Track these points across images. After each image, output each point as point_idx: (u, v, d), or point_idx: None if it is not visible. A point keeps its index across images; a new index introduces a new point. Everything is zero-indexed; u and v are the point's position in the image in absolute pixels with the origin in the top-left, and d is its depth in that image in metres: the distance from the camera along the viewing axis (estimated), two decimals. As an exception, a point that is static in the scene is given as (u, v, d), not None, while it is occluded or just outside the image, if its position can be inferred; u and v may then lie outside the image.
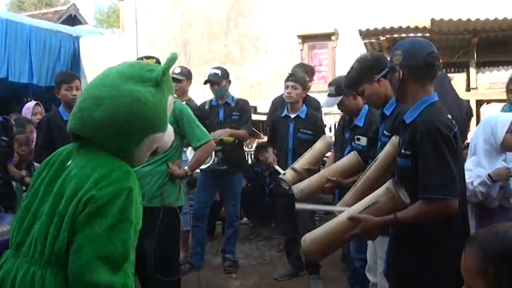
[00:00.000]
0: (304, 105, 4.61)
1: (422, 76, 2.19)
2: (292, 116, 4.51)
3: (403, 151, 2.18)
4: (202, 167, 4.56)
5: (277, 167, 4.34)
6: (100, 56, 12.67)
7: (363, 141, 3.20)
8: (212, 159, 4.52)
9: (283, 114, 4.59)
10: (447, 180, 2.00)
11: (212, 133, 4.62)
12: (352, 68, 2.95)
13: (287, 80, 4.48)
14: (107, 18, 28.25)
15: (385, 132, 2.73)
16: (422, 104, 2.17)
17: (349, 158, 3.17)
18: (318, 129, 4.46)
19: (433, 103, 2.17)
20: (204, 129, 3.63)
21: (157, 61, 3.54)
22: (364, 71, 2.83)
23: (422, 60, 2.15)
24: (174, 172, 3.43)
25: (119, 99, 1.57)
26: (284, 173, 3.76)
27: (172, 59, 1.71)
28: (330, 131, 7.85)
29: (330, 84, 3.62)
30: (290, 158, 4.33)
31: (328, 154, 4.22)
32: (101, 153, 1.59)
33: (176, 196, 3.51)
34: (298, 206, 2.87)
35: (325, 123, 6.65)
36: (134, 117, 1.58)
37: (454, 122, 2.14)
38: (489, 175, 3.03)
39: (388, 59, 2.41)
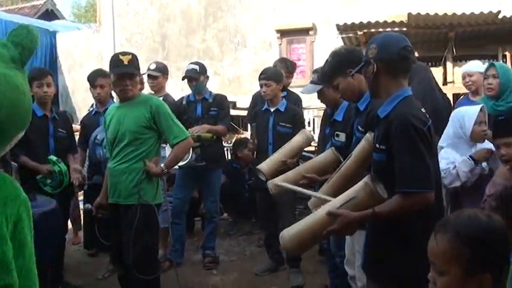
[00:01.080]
0: (283, 99, 4.62)
1: (397, 70, 2.20)
2: (272, 109, 4.54)
3: (377, 146, 2.19)
4: (180, 163, 4.54)
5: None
6: (77, 52, 12.50)
7: (342, 137, 3.21)
8: (190, 156, 4.49)
9: (263, 108, 4.62)
10: (422, 174, 2.02)
11: (190, 129, 4.59)
12: (326, 61, 2.95)
13: (259, 78, 4.52)
14: (84, 13, 27.89)
15: (359, 127, 2.74)
16: (396, 98, 2.18)
17: (326, 154, 3.15)
18: (297, 123, 4.48)
19: (407, 97, 2.19)
20: (182, 126, 3.61)
21: (134, 57, 3.50)
22: (338, 64, 2.83)
23: (396, 54, 2.17)
24: (151, 170, 3.40)
25: None
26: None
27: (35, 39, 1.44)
28: (309, 126, 7.88)
29: (314, 71, 3.63)
30: (270, 151, 4.35)
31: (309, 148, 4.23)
32: None
33: (154, 193, 3.48)
34: (277, 182, 2.86)
35: (304, 117, 6.68)
36: (16, 111, 1.34)
37: (427, 116, 2.17)
38: (471, 156, 3.09)
39: (364, 53, 2.42)
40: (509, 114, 3.50)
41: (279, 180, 3.16)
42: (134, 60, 3.48)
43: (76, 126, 7.87)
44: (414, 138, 2.04)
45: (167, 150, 4.47)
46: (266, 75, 4.48)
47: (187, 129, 4.63)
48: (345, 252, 3.07)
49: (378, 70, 2.20)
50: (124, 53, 3.54)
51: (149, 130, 3.47)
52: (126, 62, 3.42)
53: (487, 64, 4.07)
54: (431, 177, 2.05)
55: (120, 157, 3.49)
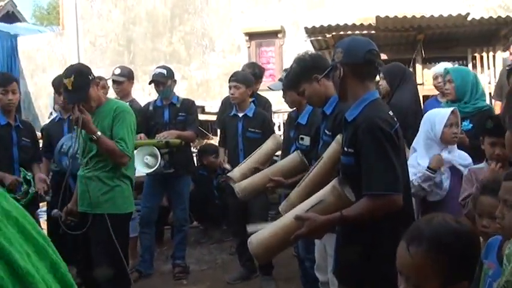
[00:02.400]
0: (252, 103, 4.65)
1: (363, 73, 2.27)
2: (240, 115, 4.56)
3: (345, 149, 2.25)
4: (148, 171, 4.52)
5: (227, 166, 4.36)
6: (39, 55, 12.30)
7: (307, 140, 3.26)
8: (158, 163, 4.48)
9: (231, 114, 4.64)
10: (390, 177, 2.08)
11: (157, 135, 4.59)
12: (291, 68, 3.04)
13: (229, 80, 4.56)
14: (47, 15, 27.40)
15: (326, 131, 2.80)
16: (363, 101, 2.24)
17: (292, 157, 3.21)
18: (266, 128, 4.52)
19: (374, 100, 2.25)
20: (132, 142, 3.49)
21: (77, 75, 3.30)
22: (303, 70, 2.90)
23: (362, 58, 2.23)
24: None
25: None
26: (231, 171, 3.78)
27: None
28: (279, 130, 7.94)
29: (284, 70, 3.68)
30: (241, 157, 4.36)
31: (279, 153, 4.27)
32: None
33: (123, 202, 3.45)
34: (249, 228, 2.88)
35: (274, 121, 6.74)
36: None
37: (395, 119, 2.23)
38: (428, 167, 3.17)
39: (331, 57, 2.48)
40: (477, 116, 3.61)
41: (246, 184, 3.19)
42: (77, 80, 3.27)
43: (39, 134, 7.75)
44: (381, 140, 2.09)
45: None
46: (236, 78, 4.52)
47: (154, 135, 4.65)
48: (314, 255, 3.11)
49: (344, 74, 2.26)
50: (66, 75, 3.32)
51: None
52: (70, 87, 3.27)
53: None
54: (399, 179, 2.10)
55: (89, 166, 3.46)
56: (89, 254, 3.42)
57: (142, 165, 4.53)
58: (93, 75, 3.44)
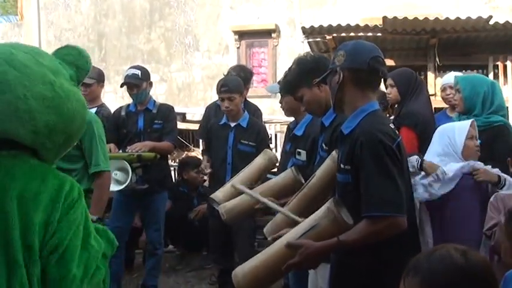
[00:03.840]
0: (245, 111, 4.68)
1: (364, 81, 2.32)
2: (232, 124, 4.56)
3: (342, 166, 2.28)
4: (118, 188, 4.51)
5: (208, 170, 4.38)
6: (-7, 50, 12.28)
7: (303, 155, 3.28)
8: (130, 178, 4.47)
9: (221, 122, 4.63)
10: (392, 196, 2.10)
11: (129, 147, 4.56)
12: (289, 70, 3.05)
13: (220, 91, 4.52)
14: (2, 2, 27.30)
15: (323, 145, 2.83)
16: (361, 112, 2.28)
17: (285, 175, 3.21)
18: (261, 141, 4.53)
19: (373, 112, 2.29)
20: (106, 154, 3.60)
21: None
22: (303, 74, 2.92)
23: (365, 64, 2.28)
24: None
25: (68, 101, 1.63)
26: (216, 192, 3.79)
27: (90, 61, 1.88)
28: (271, 142, 7.99)
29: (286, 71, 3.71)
30: (229, 173, 4.38)
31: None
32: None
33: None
34: (240, 187, 2.90)
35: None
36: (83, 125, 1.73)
37: (397, 132, 2.27)
38: (421, 162, 3.24)
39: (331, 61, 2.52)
40: (488, 132, 3.65)
41: (232, 205, 3.21)
42: None
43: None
44: (382, 156, 2.12)
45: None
46: (228, 88, 4.46)
47: (126, 145, 4.64)
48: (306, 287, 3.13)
49: (344, 80, 2.30)
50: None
51: (78, 150, 3.50)
52: None
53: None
54: (402, 199, 2.12)
55: None
56: None
57: (113, 182, 4.53)
58: None
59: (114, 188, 4.54)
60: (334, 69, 2.34)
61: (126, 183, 4.48)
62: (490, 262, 1.47)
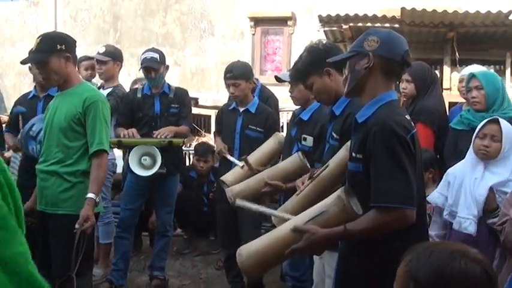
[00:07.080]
0: (255, 97, 4.68)
1: (393, 72, 2.33)
2: (241, 109, 4.58)
3: (354, 154, 2.28)
4: (148, 173, 4.52)
5: (230, 157, 4.38)
6: (8, 27, 12.35)
7: (309, 141, 3.29)
8: (159, 164, 4.48)
9: (231, 107, 4.66)
10: (403, 187, 2.09)
11: (155, 132, 4.57)
12: (300, 57, 3.04)
13: (225, 77, 4.54)
14: (19, -19, 27.43)
15: (333, 134, 2.83)
16: (378, 101, 2.28)
17: (292, 159, 3.24)
18: (270, 127, 4.52)
19: (390, 101, 2.30)
20: (108, 135, 3.55)
21: (44, 38, 3.48)
22: (314, 61, 2.91)
23: (400, 56, 2.29)
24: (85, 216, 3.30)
25: None
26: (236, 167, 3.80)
27: None
28: (282, 130, 8.02)
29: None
30: (236, 158, 4.39)
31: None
32: None
33: None
34: (238, 202, 2.93)
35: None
36: None
37: (412, 124, 2.27)
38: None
39: (352, 44, 2.49)
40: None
41: (239, 188, 3.24)
42: (44, 43, 3.43)
43: (3, 117, 7.78)
44: (395, 146, 2.11)
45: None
46: (232, 74, 4.47)
47: (141, 129, 4.66)
48: (299, 274, 3.14)
49: (373, 66, 2.29)
50: (40, 36, 3.54)
51: (81, 127, 3.45)
52: (34, 48, 3.44)
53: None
54: (413, 192, 2.10)
55: (49, 157, 3.47)
56: (48, 260, 3.40)
57: (139, 167, 4.54)
58: (68, 47, 3.47)
59: (144, 173, 4.54)
60: (363, 53, 2.32)
61: (156, 169, 4.52)
62: (489, 262, 1.46)
